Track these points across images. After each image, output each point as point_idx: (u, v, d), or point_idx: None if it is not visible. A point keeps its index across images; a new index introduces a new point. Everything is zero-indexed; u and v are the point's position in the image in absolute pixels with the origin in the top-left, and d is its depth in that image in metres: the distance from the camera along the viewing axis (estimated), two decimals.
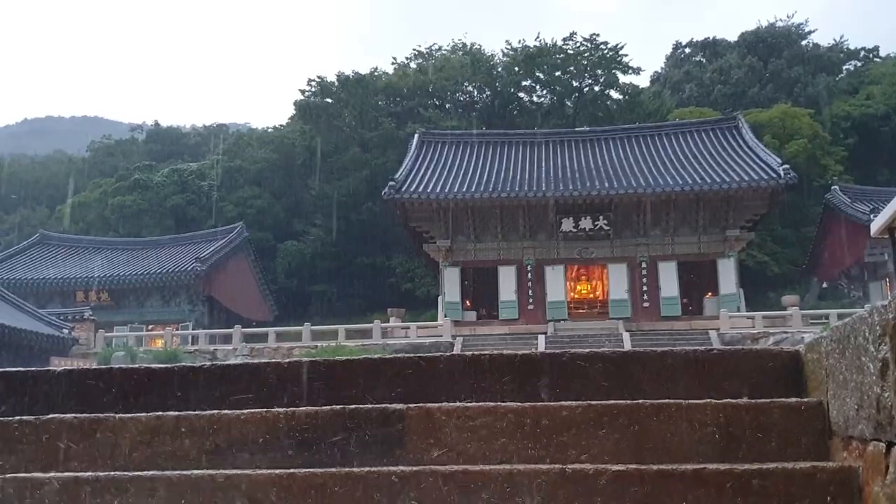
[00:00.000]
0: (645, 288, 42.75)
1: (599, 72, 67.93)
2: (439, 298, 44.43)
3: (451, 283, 43.74)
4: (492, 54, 73.31)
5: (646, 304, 42.41)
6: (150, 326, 46.50)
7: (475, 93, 71.78)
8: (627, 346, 33.78)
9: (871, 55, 75.49)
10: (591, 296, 45.07)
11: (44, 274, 49.62)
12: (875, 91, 63.40)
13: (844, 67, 74.45)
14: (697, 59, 77.19)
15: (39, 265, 51.49)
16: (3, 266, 50.84)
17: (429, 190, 43.30)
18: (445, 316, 41.59)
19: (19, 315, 35.64)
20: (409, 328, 40.73)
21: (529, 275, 43.35)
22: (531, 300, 42.96)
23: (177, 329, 44.38)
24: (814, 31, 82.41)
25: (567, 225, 42.94)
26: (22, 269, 50.49)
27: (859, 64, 74.60)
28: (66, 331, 37.06)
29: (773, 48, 70.52)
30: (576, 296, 44.74)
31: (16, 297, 38.51)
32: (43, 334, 35.06)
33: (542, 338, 37.38)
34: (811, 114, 58.26)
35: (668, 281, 42.75)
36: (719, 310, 39.95)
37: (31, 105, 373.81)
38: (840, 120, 60.39)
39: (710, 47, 76.45)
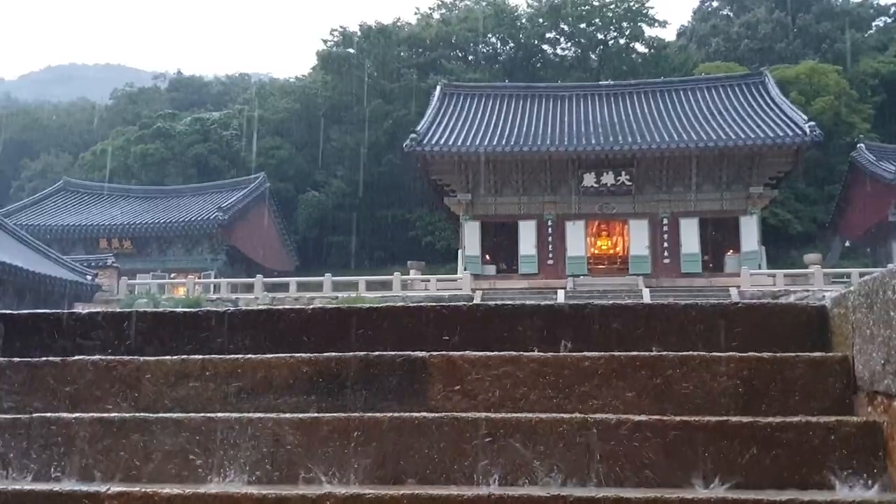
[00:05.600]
0: (666, 244, 42.57)
1: (625, 24, 67.07)
2: (459, 252, 44.42)
3: (471, 237, 43.71)
4: (515, 5, 72.46)
5: (666, 261, 42.27)
6: (172, 274, 46.74)
7: (498, 45, 71.06)
8: (647, 301, 33.69)
9: None
10: (612, 251, 44.89)
11: (67, 221, 49.92)
12: None
13: (874, 24, 72.98)
14: (725, 12, 75.92)
15: (63, 212, 51.80)
16: (27, 212, 51.19)
17: (450, 143, 43.07)
18: (465, 270, 41.62)
19: (44, 261, 35.85)
20: (428, 281, 40.80)
21: (550, 230, 43.24)
22: (551, 255, 42.89)
23: (199, 277, 44.58)
24: None
25: (589, 180, 42.69)
26: (45, 216, 50.82)
27: (889, 20, 73.10)
28: (89, 277, 37.29)
29: (802, 3, 69.20)
30: (596, 251, 44.55)
31: (40, 244, 38.73)
32: (67, 280, 35.26)
33: (561, 293, 37.38)
34: (839, 70, 57.32)
35: (690, 237, 42.54)
36: (740, 267, 39.75)
37: (54, 52, 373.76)
38: (868, 77, 59.42)
39: (738, 1, 75.10)
